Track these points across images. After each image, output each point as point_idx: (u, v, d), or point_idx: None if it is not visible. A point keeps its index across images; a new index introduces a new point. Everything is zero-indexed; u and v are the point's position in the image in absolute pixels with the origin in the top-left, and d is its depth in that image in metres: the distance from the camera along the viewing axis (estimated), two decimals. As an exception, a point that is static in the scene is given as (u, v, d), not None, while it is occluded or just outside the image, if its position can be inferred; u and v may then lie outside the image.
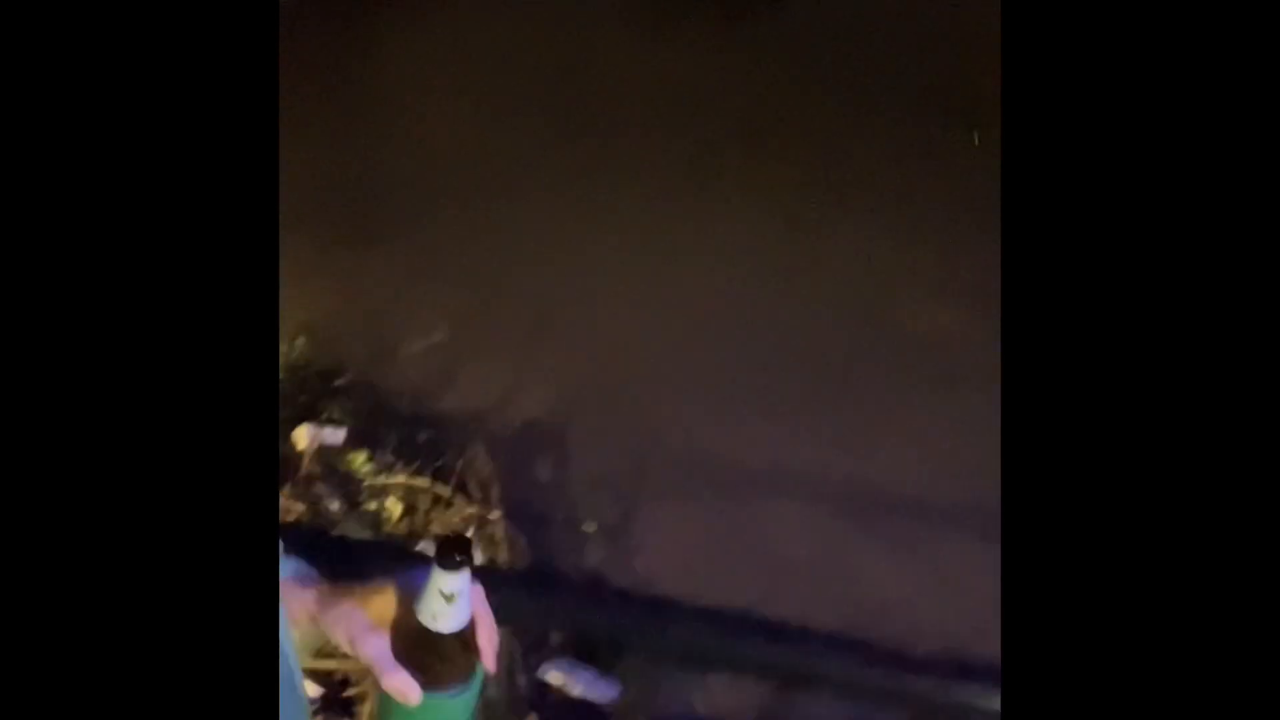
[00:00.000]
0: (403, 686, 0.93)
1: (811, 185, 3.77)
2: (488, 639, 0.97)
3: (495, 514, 2.66)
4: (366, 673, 0.98)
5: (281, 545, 1.07)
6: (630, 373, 3.11)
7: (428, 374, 3.13)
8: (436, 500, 2.69)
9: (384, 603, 0.97)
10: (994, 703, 1.84)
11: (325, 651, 1.06)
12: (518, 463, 2.88)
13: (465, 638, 0.95)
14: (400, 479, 2.72)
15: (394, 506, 2.67)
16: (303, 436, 2.79)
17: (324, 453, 2.80)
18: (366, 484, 2.72)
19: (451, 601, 0.92)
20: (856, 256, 3.49)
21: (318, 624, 1.00)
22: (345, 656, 1.03)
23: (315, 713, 2.21)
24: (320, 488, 2.71)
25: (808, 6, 4.68)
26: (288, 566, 1.06)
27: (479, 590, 0.97)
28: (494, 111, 4.08)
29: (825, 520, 2.67)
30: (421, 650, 0.95)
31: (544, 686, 2.37)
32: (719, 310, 3.32)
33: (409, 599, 0.94)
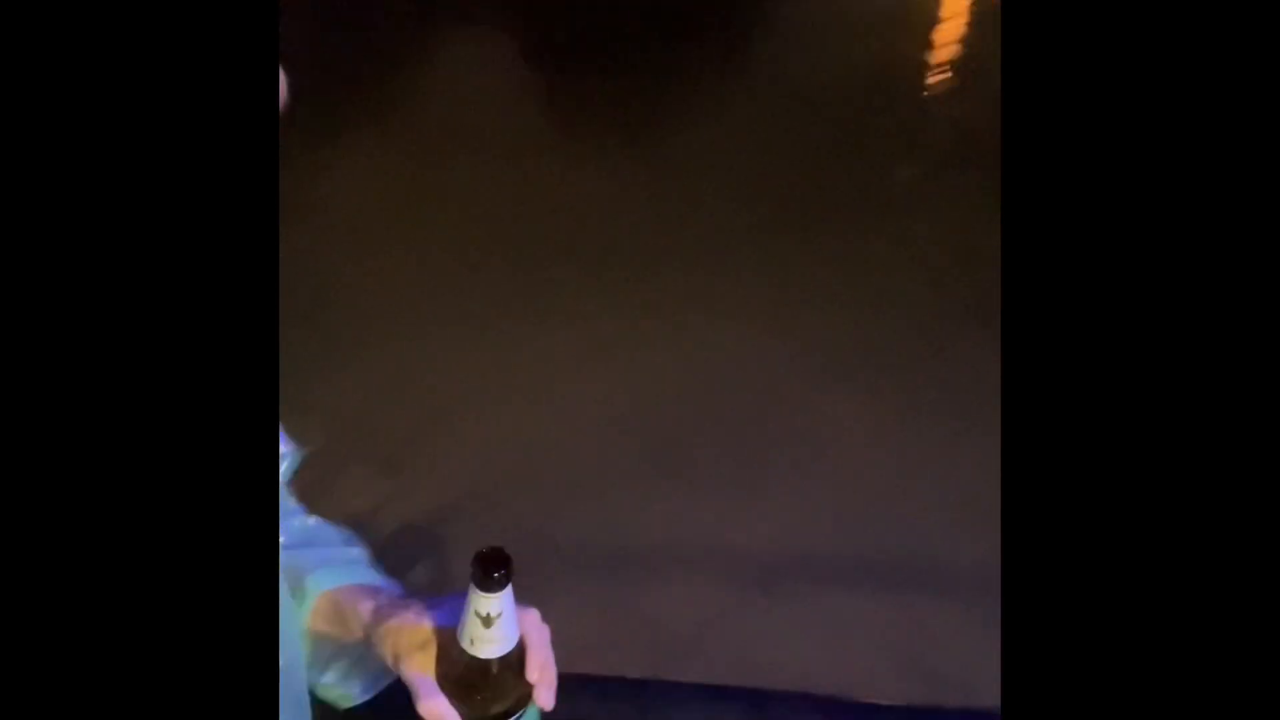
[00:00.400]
0: (439, 713, 0.88)
1: (707, 287, 3.81)
2: (539, 669, 0.89)
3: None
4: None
5: (364, 551, 1.12)
6: (512, 470, 3.04)
7: (301, 483, 2.99)
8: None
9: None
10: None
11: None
12: (396, 566, 2.74)
13: (513, 666, 0.87)
14: (269, 586, 2.56)
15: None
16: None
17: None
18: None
19: (490, 625, 0.84)
20: (748, 341, 3.50)
21: (369, 637, 0.96)
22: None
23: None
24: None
25: (714, 121, 4.85)
26: (364, 574, 1.07)
27: (533, 615, 0.90)
28: (384, 229, 4.09)
29: (721, 588, 2.59)
30: (463, 677, 0.88)
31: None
32: (603, 404, 3.27)
33: (453, 625, 0.89)
